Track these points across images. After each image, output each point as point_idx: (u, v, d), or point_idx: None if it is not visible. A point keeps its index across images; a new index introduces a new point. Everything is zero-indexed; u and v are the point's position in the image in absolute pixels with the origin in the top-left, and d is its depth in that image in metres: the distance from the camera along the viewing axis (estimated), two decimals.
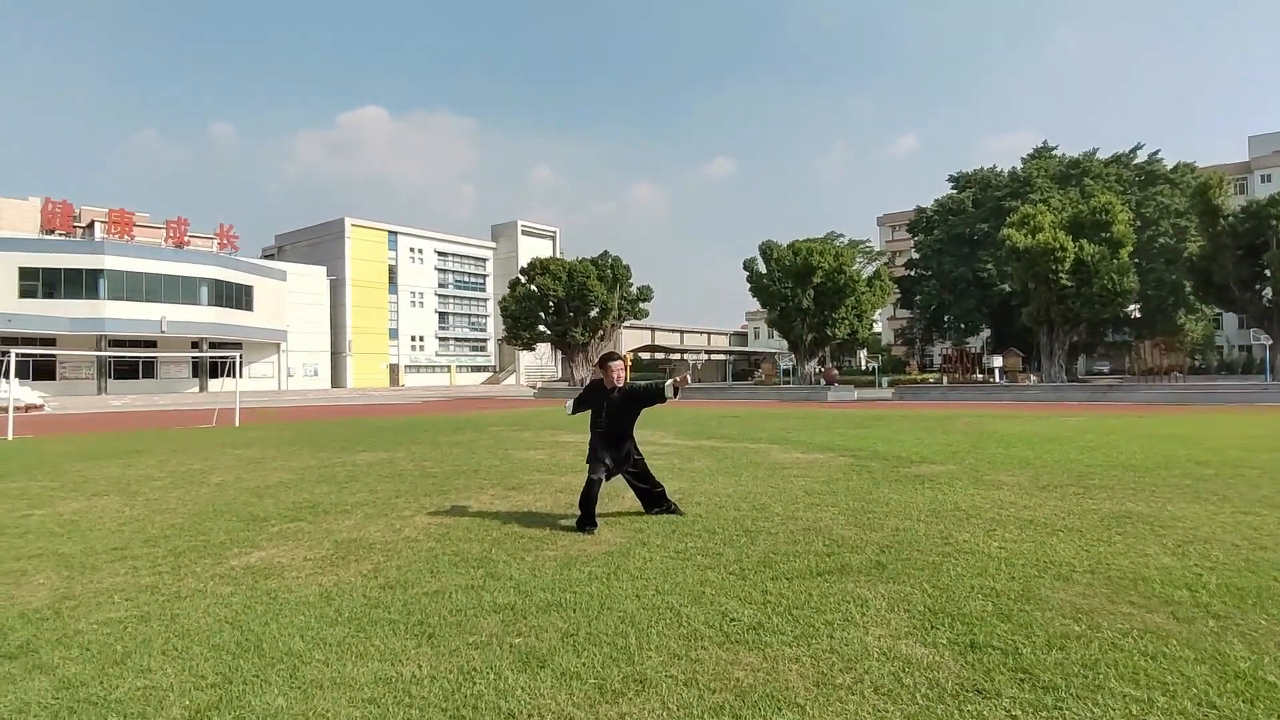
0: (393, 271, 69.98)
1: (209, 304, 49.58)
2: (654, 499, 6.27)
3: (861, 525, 5.74)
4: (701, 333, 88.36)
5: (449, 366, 73.87)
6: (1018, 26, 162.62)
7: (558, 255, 64.91)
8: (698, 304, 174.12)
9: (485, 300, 78.37)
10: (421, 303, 72.79)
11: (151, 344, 48.18)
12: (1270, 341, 29.24)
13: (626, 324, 58.87)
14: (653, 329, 76.18)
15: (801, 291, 34.79)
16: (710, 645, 3.32)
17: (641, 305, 44.78)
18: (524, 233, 79.05)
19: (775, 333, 44.39)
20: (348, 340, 64.27)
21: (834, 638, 3.38)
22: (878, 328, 74.34)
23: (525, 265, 46.28)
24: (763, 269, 36.31)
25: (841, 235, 63.92)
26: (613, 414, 6.00)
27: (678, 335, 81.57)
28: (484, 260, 79.18)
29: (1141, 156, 55.68)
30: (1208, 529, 5.44)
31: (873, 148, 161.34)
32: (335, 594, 4.15)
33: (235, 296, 51.79)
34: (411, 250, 72.03)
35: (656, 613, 3.76)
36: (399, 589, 4.22)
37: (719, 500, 6.93)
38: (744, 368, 71.64)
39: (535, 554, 5.00)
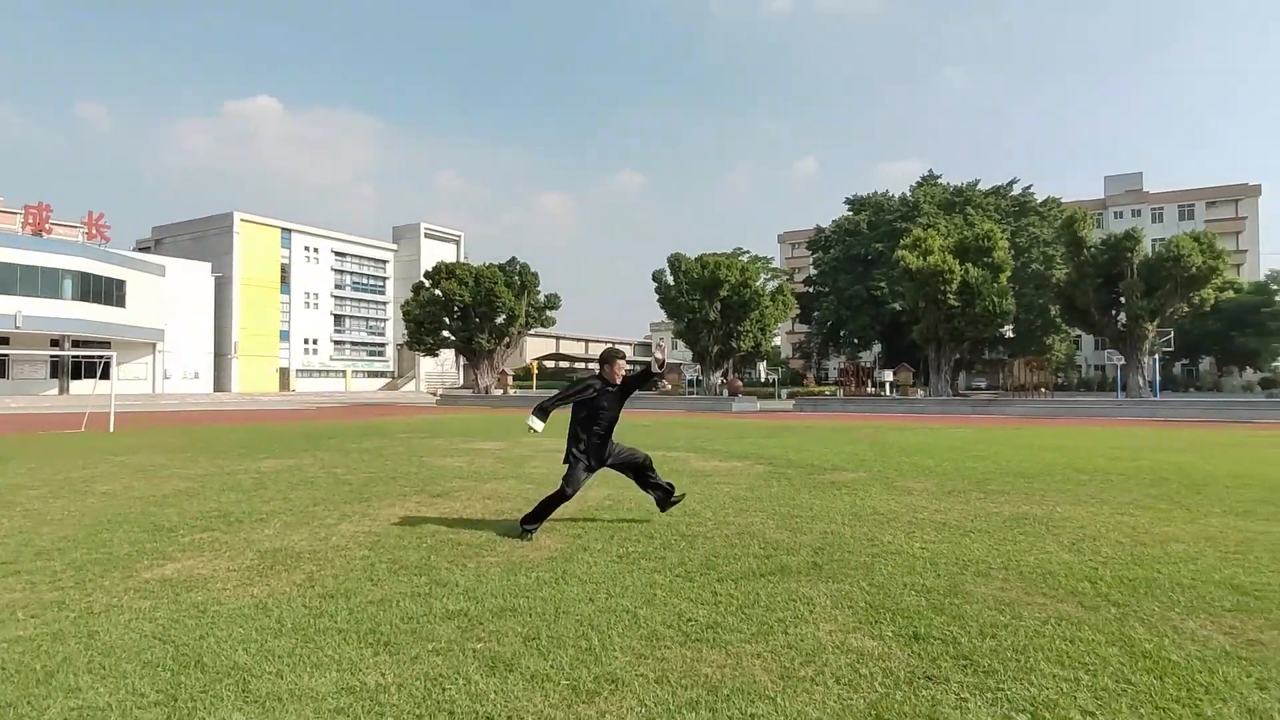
0: (285, 271, 66.37)
1: (73, 298, 45.36)
2: (651, 486, 6.20)
3: (791, 529, 5.97)
4: (607, 342, 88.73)
5: (344, 371, 70.71)
6: (910, 65, 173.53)
7: (463, 260, 63.71)
8: (603, 314, 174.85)
9: (385, 304, 75.63)
10: (316, 304, 69.40)
11: (3, 340, 43.63)
12: (1123, 361, 32.38)
13: (532, 332, 58.48)
14: (558, 337, 75.88)
15: (709, 304, 35.64)
16: (673, 644, 3.39)
17: (549, 313, 44.50)
18: (428, 235, 76.87)
19: (679, 343, 45.25)
20: (234, 341, 60.42)
21: (788, 634, 3.53)
22: (777, 341, 77.02)
23: (430, 269, 45.04)
24: (671, 281, 36.95)
25: (747, 251, 65.87)
26: (612, 411, 5.88)
27: (583, 344, 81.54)
28: (384, 262, 76.43)
29: (1016, 190, 60.57)
30: (1094, 527, 6.00)
31: (776, 168, 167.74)
32: (271, 605, 3.95)
33: (104, 291, 47.62)
34: (307, 249, 68.59)
35: (614, 615, 3.80)
36: (341, 598, 4.06)
37: (649, 506, 7.00)
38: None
39: (477, 560, 4.92)
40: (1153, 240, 45.34)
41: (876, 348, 63.55)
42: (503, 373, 43.77)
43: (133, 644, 3.37)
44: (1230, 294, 54.34)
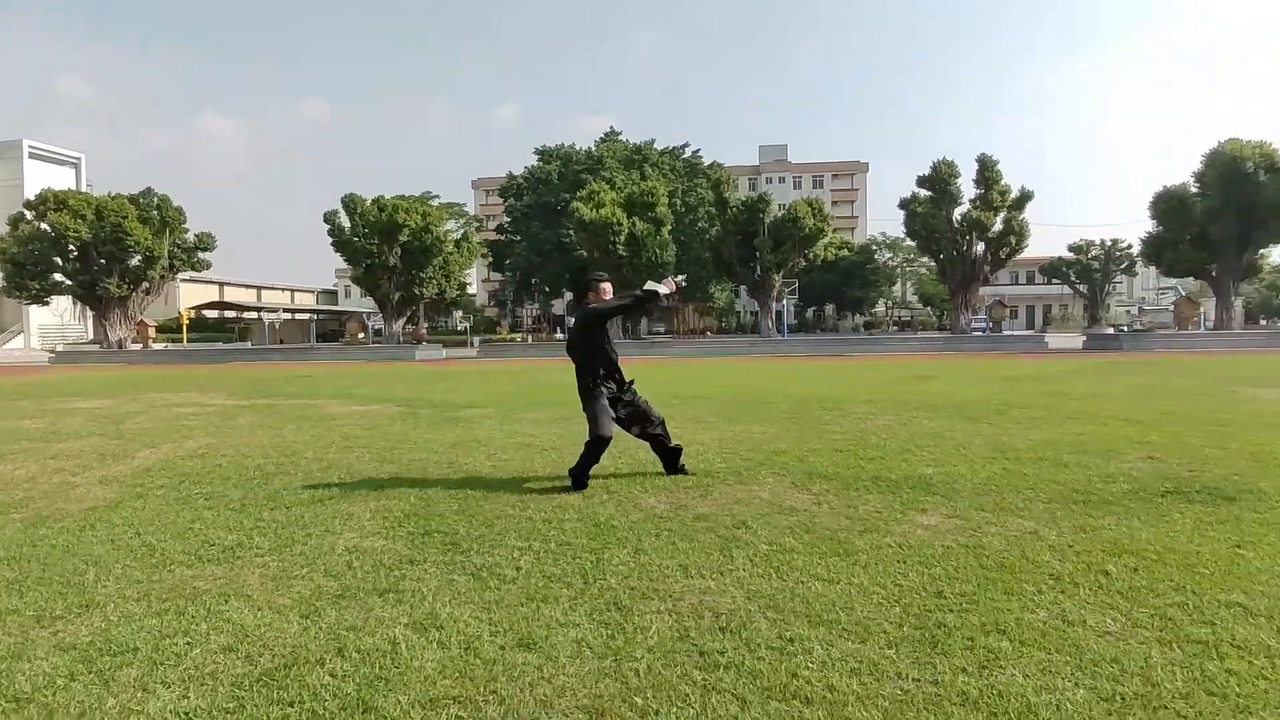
0: None
1: None
2: (665, 449, 5.49)
3: (382, 460, 6.36)
4: (284, 289, 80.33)
5: None
6: (603, 22, 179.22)
7: (85, 189, 52.49)
8: (283, 259, 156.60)
9: None
10: None
11: None
12: (757, 309, 38.30)
13: (185, 277, 50.68)
14: (221, 284, 66.77)
15: (388, 249, 34.22)
16: (177, 568, 3.56)
17: (201, 255, 38.89)
18: (33, 156, 61.41)
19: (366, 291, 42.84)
20: None
21: (307, 544, 3.90)
22: (473, 289, 76.57)
23: (33, 198, 36.48)
24: (346, 224, 34.67)
25: (437, 196, 63.84)
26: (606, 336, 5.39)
27: (254, 292, 72.84)
28: None
29: (688, 152, 66.89)
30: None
31: (477, 112, 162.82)
32: None
33: None
34: None
35: (129, 551, 3.83)
36: None
37: (248, 451, 6.89)
38: (334, 327, 67.40)
39: (4, 517, 4.52)
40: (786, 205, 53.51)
41: (568, 296, 66.60)
42: (141, 323, 37.47)
43: None
44: (845, 252, 66.94)
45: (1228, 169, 30.93)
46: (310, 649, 2.63)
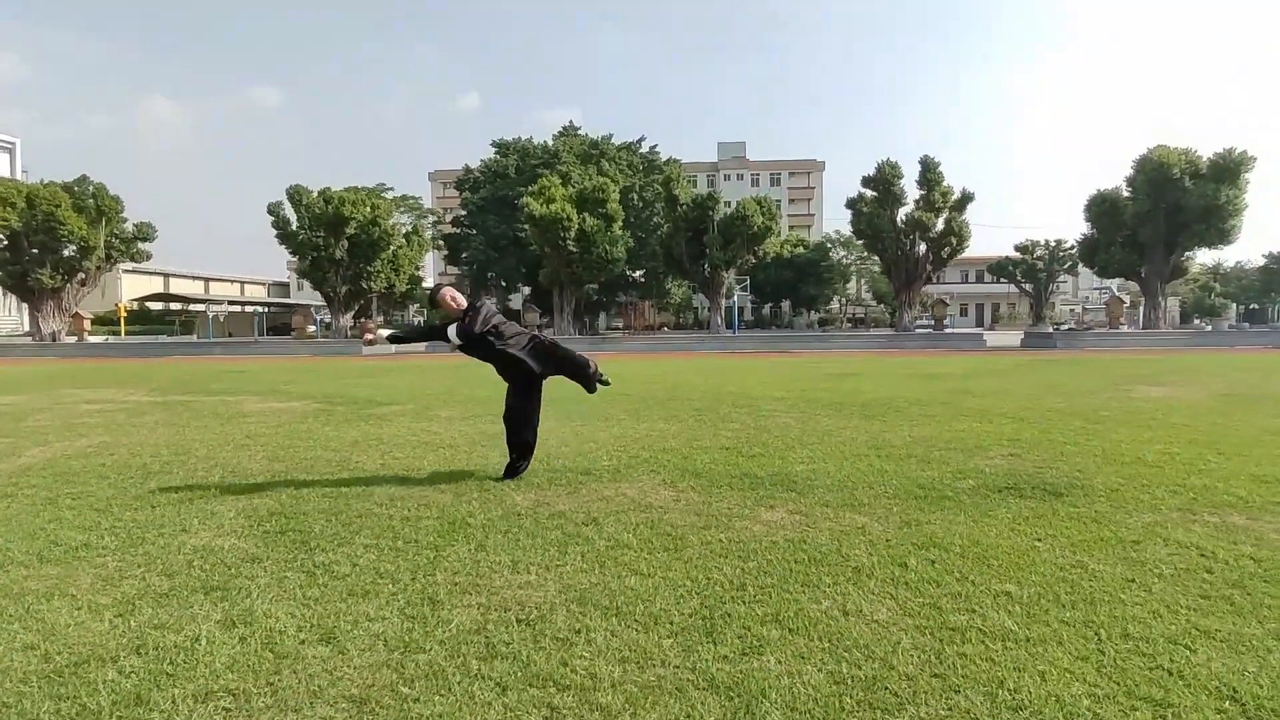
0: None
1: None
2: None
3: (273, 458, 6.39)
4: (233, 281, 78.43)
5: None
6: (569, 16, 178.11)
7: (19, 175, 50.65)
8: (232, 249, 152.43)
9: None
10: None
11: None
12: (709, 305, 38.71)
13: (128, 268, 49.20)
14: (166, 275, 64.97)
15: (335, 242, 33.72)
16: (14, 567, 3.59)
17: (141, 245, 37.78)
18: None
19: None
20: None
21: (156, 544, 3.95)
22: (428, 283, 75.71)
23: None
24: (291, 216, 34.05)
25: (391, 188, 63.08)
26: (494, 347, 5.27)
27: (201, 284, 71.02)
28: None
29: (645, 148, 66.94)
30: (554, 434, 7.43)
31: (438, 101, 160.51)
32: None
33: None
34: None
35: None
36: None
37: (139, 450, 6.84)
38: (284, 321, 66.04)
39: None
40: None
41: (526, 290, 66.24)
42: (76, 315, 36.30)
43: None
44: (801, 249, 67.87)
45: (1156, 174, 32.19)
46: (109, 646, 2.71)
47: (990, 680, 2.42)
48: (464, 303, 5.32)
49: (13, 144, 63.48)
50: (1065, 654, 2.59)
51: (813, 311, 73.93)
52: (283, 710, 2.29)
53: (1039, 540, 3.89)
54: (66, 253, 35.49)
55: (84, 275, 36.76)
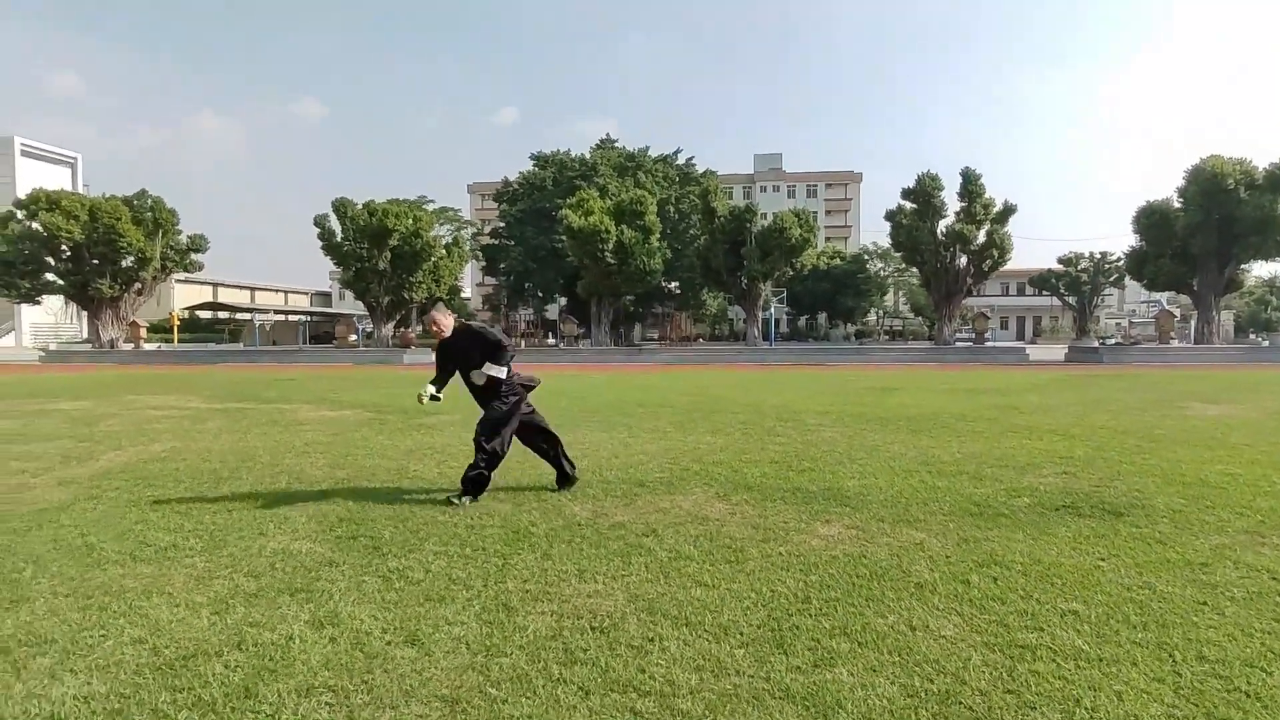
0: None
1: None
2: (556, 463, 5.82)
3: (335, 465, 6.61)
4: (277, 291, 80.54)
5: None
6: (604, 28, 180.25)
7: (80, 189, 52.78)
8: (277, 259, 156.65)
9: None
10: None
11: None
12: (746, 317, 38.61)
13: (180, 277, 50.86)
14: (215, 284, 66.96)
15: (378, 253, 34.46)
16: (111, 566, 3.80)
17: (194, 256, 39.08)
18: (26, 154, 61.74)
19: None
20: None
21: (239, 546, 4.15)
22: (467, 293, 76.91)
23: (24, 197, 36.66)
24: (336, 228, 34.92)
25: (431, 200, 64.29)
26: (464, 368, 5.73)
27: (247, 293, 73.02)
28: None
29: (681, 160, 67.26)
30: (593, 445, 7.55)
31: (476, 115, 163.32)
32: None
33: None
34: None
35: (69, 551, 4.07)
36: None
37: (207, 455, 7.13)
38: (327, 329, 67.58)
39: None
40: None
41: (562, 301, 66.86)
42: (134, 324, 37.63)
43: None
44: (838, 261, 67.42)
45: (1209, 185, 31.31)
46: (212, 642, 2.88)
47: (1065, 698, 2.45)
48: (448, 325, 5.67)
49: (74, 159, 66.29)
50: (1140, 675, 2.61)
51: (849, 324, 73.29)
52: (380, 707, 2.41)
53: (1102, 560, 3.87)
54: (125, 263, 36.84)
55: (141, 285, 38.07)
